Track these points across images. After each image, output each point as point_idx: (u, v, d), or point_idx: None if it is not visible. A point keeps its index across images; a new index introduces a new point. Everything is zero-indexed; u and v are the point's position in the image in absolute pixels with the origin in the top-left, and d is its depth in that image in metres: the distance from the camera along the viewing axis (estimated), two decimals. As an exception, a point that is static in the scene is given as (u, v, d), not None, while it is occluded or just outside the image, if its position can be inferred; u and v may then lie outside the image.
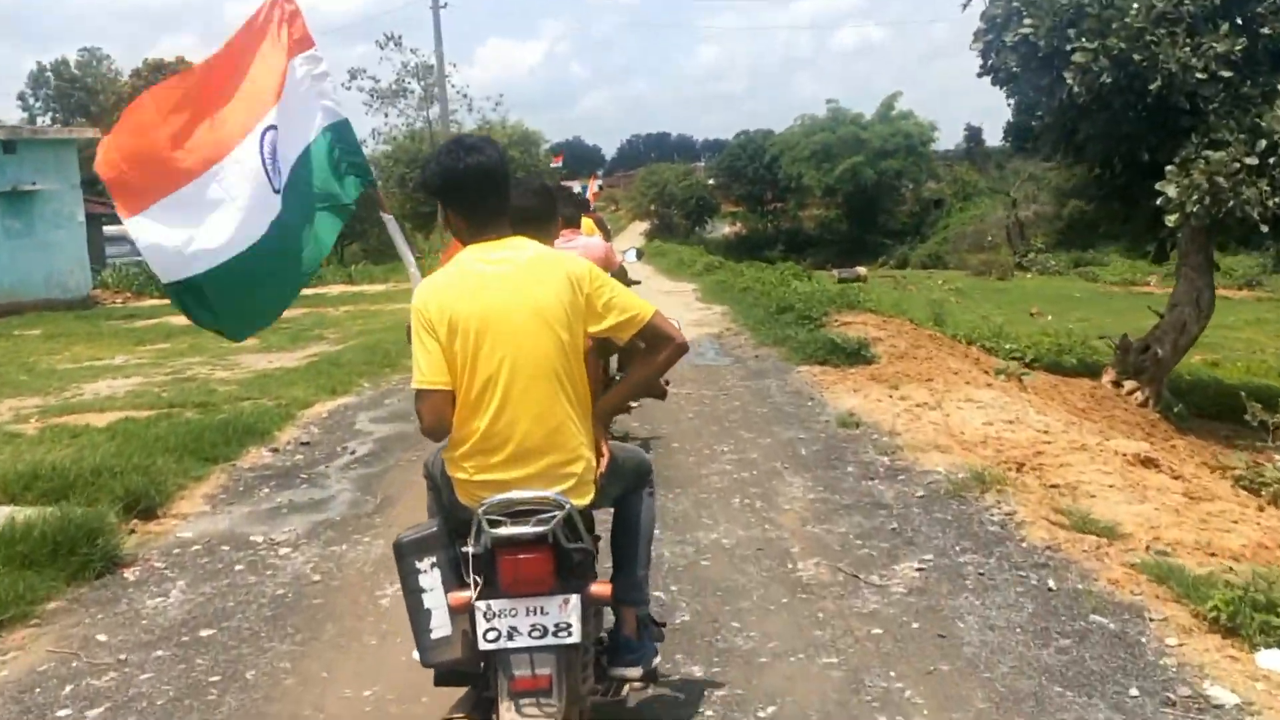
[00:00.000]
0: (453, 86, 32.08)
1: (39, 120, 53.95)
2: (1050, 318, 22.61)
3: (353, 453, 7.75)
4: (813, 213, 61.28)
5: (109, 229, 33.47)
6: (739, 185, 63.93)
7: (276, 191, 3.70)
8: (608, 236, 8.38)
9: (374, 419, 8.97)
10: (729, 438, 7.56)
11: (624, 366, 4.59)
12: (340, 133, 3.96)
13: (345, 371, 11.14)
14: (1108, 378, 11.71)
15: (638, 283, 6.68)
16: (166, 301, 24.12)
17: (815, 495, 6.10)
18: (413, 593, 2.75)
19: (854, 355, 10.00)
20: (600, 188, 58.57)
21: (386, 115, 35.67)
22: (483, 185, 2.78)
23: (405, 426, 8.55)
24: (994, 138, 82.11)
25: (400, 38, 34.08)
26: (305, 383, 10.53)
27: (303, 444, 8.05)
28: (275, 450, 7.83)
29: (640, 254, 9.32)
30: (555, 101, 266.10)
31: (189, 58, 42.05)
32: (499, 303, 2.69)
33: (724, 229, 65.54)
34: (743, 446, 7.29)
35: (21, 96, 61.07)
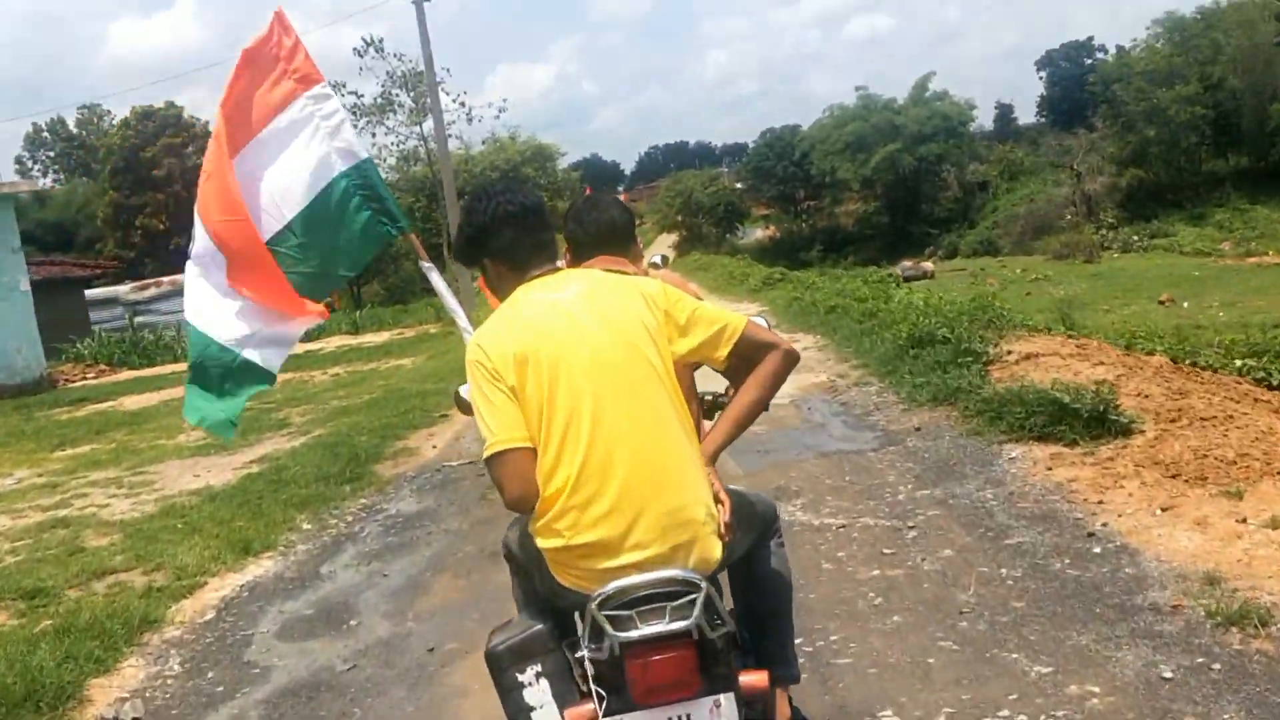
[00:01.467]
0: (447, 94, 26.82)
1: (39, 183, 50.77)
2: (1186, 304, 18.26)
3: (210, 753, 3.71)
4: (849, 208, 57.05)
5: (93, 292, 30.04)
6: (769, 186, 59.78)
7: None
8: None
9: (289, 624, 4.89)
10: (1002, 679, 3.40)
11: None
12: (362, 174, 3.32)
13: (283, 499, 7.10)
14: None
15: None
16: (139, 374, 20.40)
17: None
18: (519, 712, 2.15)
19: (1098, 421, 5.81)
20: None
21: (374, 135, 29.42)
22: (519, 223, 2.34)
23: (338, 650, 4.47)
24: (1026, 115, 77.57)
25: (381, 41, 28.30)
26: (214, 527, 6.55)
27: (127, 724, 4.02)
28: (59, 757, 3.80)
29: (666, 260, 6.94)
30: (569, 120, 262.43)
31: (179, 102, 38.44)
32: (572, 329, 2.16)
33: (756, 233, 61.41)
34: None
35: (19, 160, 58.24)
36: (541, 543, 2.14)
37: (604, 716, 2.02)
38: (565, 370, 2.10)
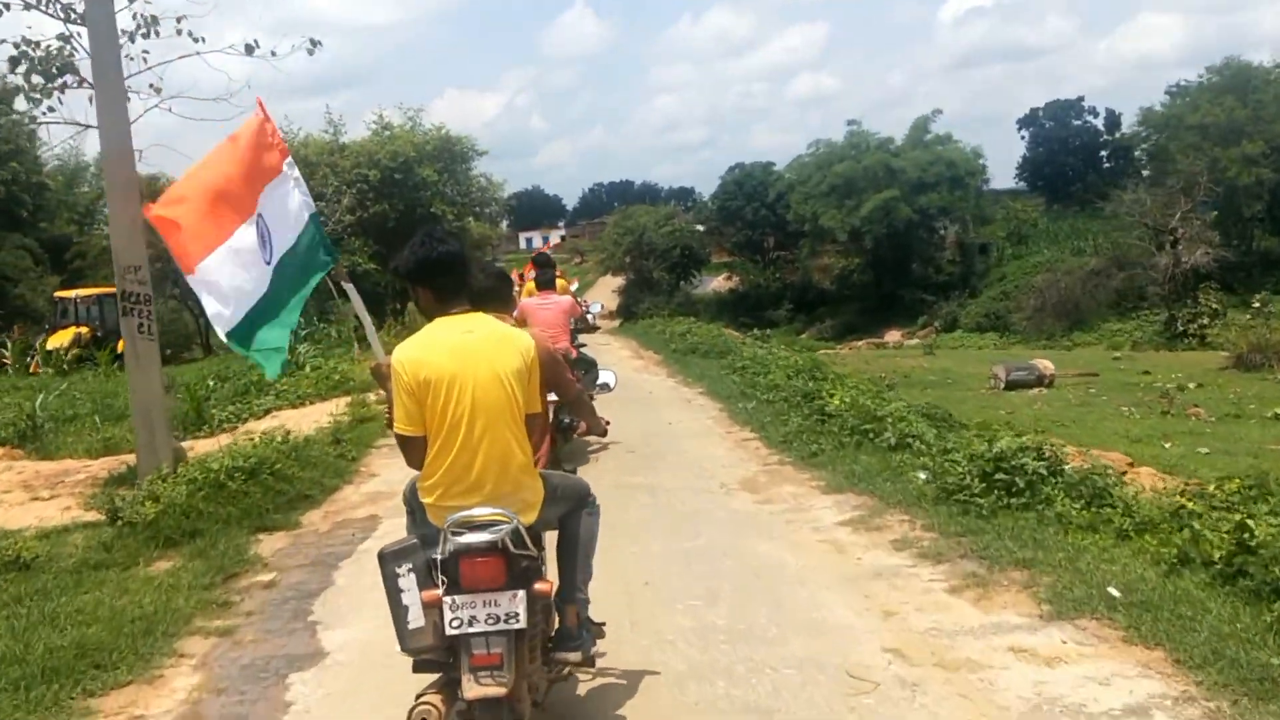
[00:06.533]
0: (189, 33, 8.36)
1: None
2: None
3: None
4: (825, 262, 46.58)
5: None
6: (734, 230, 49.26)
7: (268, 263, 4.00)
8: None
9: None
10: None
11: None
12: (316, 221, 4.32)
13: None
14: None
15: (597, 328, 11.01)
16: None
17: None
18: (393, 593, 3.10)
19: None
20: (563, 238, 44.39)
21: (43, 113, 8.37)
22: (450, 269, 3.24)
23: None
24: (1003, 179, 67.14)
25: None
26: None
27: None
28: None
29: (602, 306, 11.11)
30: (515, 151, 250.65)
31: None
32: (467, 364, 3.13)
33: (713, 283, 50.83)
34: None
35: None
36: (422, 497, 3.24)
37: (445, 595, 2.99)
38: (456, 394, 3.10)
